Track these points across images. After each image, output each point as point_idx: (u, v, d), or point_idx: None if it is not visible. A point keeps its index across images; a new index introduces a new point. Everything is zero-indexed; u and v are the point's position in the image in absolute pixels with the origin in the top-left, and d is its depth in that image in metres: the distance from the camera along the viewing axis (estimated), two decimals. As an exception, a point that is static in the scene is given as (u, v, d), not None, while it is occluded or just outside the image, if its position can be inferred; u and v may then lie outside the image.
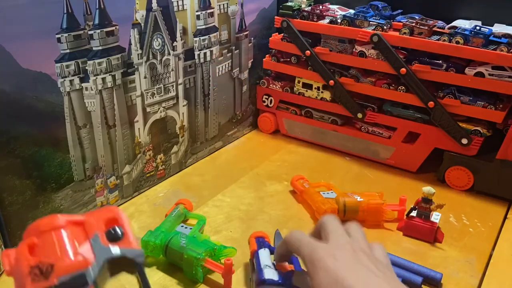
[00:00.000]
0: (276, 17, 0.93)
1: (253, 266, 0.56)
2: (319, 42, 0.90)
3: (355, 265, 0.41)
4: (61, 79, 0.61)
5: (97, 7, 0.63)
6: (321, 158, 0.93)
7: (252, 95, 1.02)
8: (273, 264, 0.55)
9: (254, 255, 0.57)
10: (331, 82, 0.89)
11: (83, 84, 0.65)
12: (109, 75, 0.68)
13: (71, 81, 0.63)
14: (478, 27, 0.75)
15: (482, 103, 0.77)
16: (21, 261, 0.32)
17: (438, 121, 0.81)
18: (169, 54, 0.77)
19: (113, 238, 0.35)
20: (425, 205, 0.66)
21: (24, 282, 0.31)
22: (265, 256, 0.56)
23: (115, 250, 0.34)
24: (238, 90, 0.97)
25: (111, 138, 0.71)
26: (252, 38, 0.96)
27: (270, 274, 0.52)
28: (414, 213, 0.68)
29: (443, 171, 0.83)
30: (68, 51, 0.61)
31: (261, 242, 0.60)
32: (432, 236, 0.67)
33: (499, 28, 0.77)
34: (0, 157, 0.57)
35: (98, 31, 0.64)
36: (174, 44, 0.77)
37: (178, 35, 0.77)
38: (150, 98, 0.76)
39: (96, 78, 0.66)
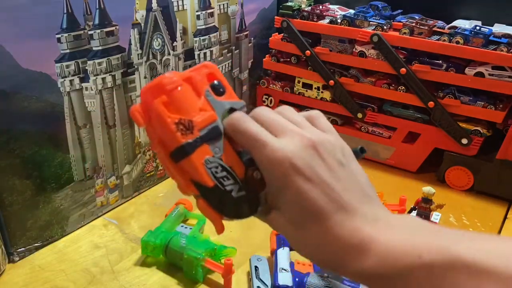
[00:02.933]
0: (276, 17, 0.93)
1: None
2: (319, 42, 0.90)
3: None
4: (61, 79, 0.61)
5: (97, 7, 0.63)
6: (321, 158, 0.93)
7: (252, 95, 1.02)
8: (291, 263, 0.56)
9: (273, 255, 0.58)
10: (331, 82, 0.89)
11: (83, 84, 0.65)
12: (109, 75, 0.68)
13: (71, 81, 0.63)
14: (478, 27, 0.75)
15: (482, 103, 0.77)
16: (163, 118, 0.32)
17: (438, 121, 0.81)
18: (169, 54, 0.77)
19: (218, 92, 0.36)
20: (425, 205, 0.66)
21: (173, 137, 0.32)
22: (283, 257, 0.57)
23: (226, 103, 0.36)
24: (238, 90, 0.97)
25: (111, 138, 0.71)
26: (252, 38, 0.96)
27: (285, 279, 0.53)
28: (414, 213, 0.68)
29: (443, 171, 0.83)
30: (68, 51, 0.61)
31: (281, 239, 0.60)
32: (432, 236, 0.67)
33: (499, 28, 0.77)
34: (0, 157, 0.57)
35: (98, 31, 0.64)
36: (174, 44, 0.77)
37: (178, 35, 0.77)
38: (150, 98, 0.76)
39: (96, 78, 0.66)
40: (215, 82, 0.36)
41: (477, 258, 0.26)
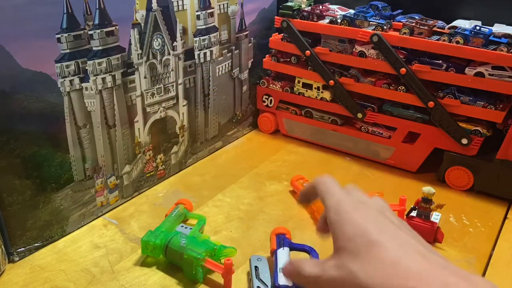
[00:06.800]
0: (276, 17, 0.93)
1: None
2: (319, 42, 0.90)
3: (381, 220, 0.41)
4: (61, 79, 0.61)
5: (97, 7, 0.63)
6: (321, 158, 0.93)
7: (252, 95, 1.02)
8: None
9: (273, 255, 0.59)
10: (331, 82, 0.89)
11: (83, 84, 0.65)
12: (109, 75, 0.68)
13: (71, 81, 0.63)
14: (478, 27, 0.75)
15: (482, 103, 0.77)
16: None
17: (438, 121, 0.81)
18: (169, 54, 0.77)
19: None
20: (425, 205, 0.66)
21: None
22: (283, 257, 0.58)
23: None
24: (238, 90, 0.97)
25: (111, 138, 0.71)
26: (252, 38, 0.96)
27: (285, 279, 0.54)
28: (414, 213, 0.68)
29: (443, 171, 0.83)
30: (68, 51, 0.61)
31: (281, 239, 0.60)
32: (432, 236, 0.67)
33: (499, 28, 0.77)
34: (0, 157, 0.57)
35: (98, 31, 0.64)
36: (174, 44, 0.77)
37: (178, 35, 0.77)
38: (150, 98, 0.76)
39: (96, 78, 0.66)
40: None
41: None
